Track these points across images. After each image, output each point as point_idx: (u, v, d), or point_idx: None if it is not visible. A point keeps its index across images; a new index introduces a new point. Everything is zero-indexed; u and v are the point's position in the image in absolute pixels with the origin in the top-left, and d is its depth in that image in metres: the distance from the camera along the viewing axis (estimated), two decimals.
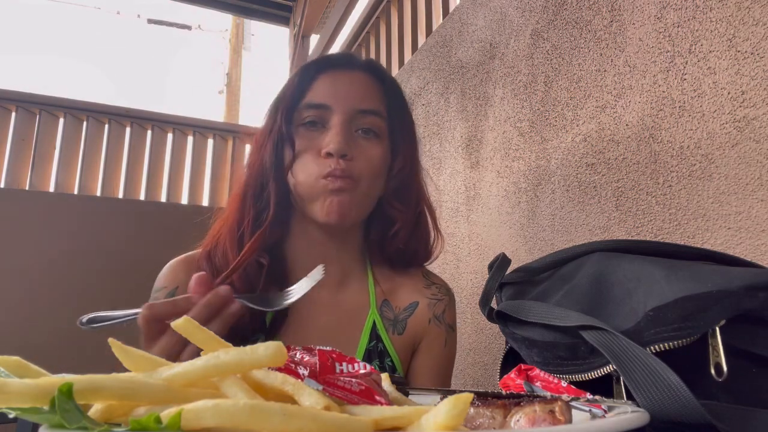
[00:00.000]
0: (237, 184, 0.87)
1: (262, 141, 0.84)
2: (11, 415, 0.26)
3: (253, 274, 0.79)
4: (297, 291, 0.67)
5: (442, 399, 0.28)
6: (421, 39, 1.97)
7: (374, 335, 0.85)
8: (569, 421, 0.31)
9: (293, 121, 0.82)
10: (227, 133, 3.05)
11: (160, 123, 2.86)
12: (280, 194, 0.81)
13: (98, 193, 2.67)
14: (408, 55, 2.07)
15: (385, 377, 0.42)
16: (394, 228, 0.86)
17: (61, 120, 2.68)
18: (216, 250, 0.83)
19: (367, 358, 0.83)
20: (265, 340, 0.78)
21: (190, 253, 0.87)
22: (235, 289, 0.77)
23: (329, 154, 0.77)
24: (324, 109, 0.81)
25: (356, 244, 0.89)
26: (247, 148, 3.06)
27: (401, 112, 0.89)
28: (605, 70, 1.01)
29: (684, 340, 0.45)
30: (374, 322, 0.85)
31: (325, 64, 0.85)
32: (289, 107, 0.82)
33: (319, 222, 0.80)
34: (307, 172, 0.79)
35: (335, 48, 2.87)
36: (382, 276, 0.90)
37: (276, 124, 0.82)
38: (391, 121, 0.86)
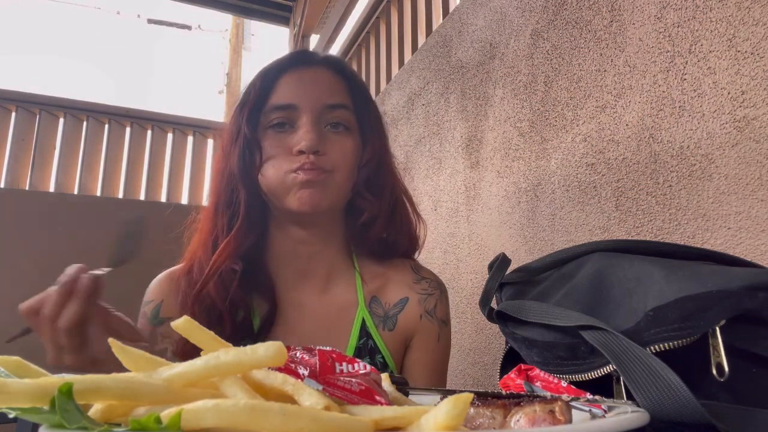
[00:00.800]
0: (209, 194, 0.87)
1: (229, 148, 0.83)
2: (11, 415, 0.26)
3: (228, 280, 0.79)
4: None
5: (442, 399, 0.28)
6: (421, 39, 1.97)
7: (363, 332, 0.85)
8: (569, 421, 0.31)
9: (260, 124, 0.82)
10: None
11: (160, 123, 2.86)
12: (250, 198, 0.81)
13: (98, 193, 2.67)
14: (408, 55, 2.07)
15: (385, 377, 0.42)
16: (366, 218, 0.86)
17: (61, 120, 2.68)
18: (193, 264, 0.84)
19: (357, 355, 0.83)
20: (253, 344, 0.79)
21: (174, 267, 0.88)
22: (213, 298, 0.78)
23: (301, 152, 0.77)
24: (291, 109, 0.80)
25: (340, 239, 0.90)
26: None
27: (366, 104, 0.89)
28: (605, 70, 1.01)
29: (684, 340, 0.45)
30: (363, 320, 0.85)
31: (285, 64, 0.85)
32: (253, 111, 0.82)
33: (293, 211, 0.79)
34: (277, 168, 0.79)
35: (335, 48, 2.87)
36: (369, 272, 0.90)
37: (241, 130, 0.81)
38: (358, 113, 0.86)
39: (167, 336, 0.79)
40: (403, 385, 0.47)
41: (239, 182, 0.81)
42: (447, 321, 0.91)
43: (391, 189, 0.89)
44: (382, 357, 0.85)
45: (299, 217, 0.82)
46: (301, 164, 0.77)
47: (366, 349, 0.84)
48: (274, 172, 0.79)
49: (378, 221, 0.86)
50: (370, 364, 0.82)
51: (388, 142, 0.92)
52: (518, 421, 0.32)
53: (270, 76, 0.84)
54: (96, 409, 0.27)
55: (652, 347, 0.46)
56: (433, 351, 0.89)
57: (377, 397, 0.31)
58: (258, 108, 0.82)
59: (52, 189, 2.59)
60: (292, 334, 0.83)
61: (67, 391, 0.24)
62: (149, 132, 2.85)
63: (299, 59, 0.86)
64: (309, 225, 0.85)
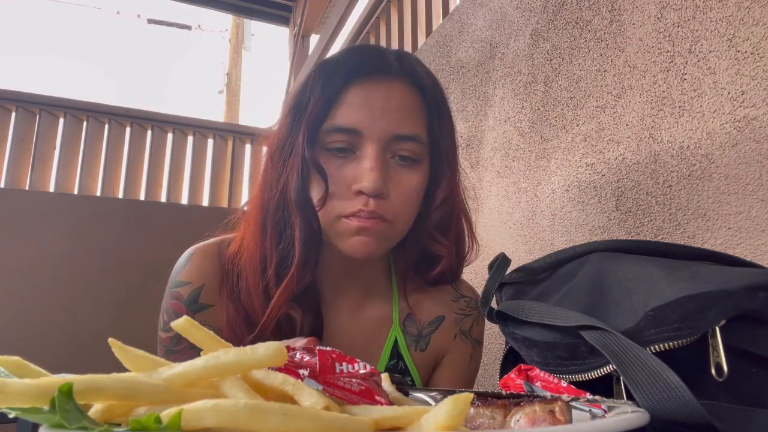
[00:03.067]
0: (253, 200, 0.77)
1: (282, 161, 0.72)
2: (11, 415, 0.26)
3: (287, 328, 0.72)
4: None
5: (442, 399, 0.28)
6: (421, 39, 1.97)
7: (395, 353, 0.80)
8: (569, 421, 0.31)
9: (317, 141, 0.70)
10: (227, 133, 3.05)
11: (160, 123, 2.86)
12: (308, 232, 0.69)
13: (98, 193, 2.67)
14: None
15: (385, 377, 0.42)
16: (438, 266, 0.78)
17: (61, 120, 2.68)
18: (238, 287, 0.74)
19: None
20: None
21: (209, 243, 0.79)
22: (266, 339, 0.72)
23: (361, 192, 0.67)
24: (355, 134, 0.68)
25: (384, 258, 0.83)
26: (248, 148, 3.06)
27: (444, 128, 0.75)
28: (605, 70, 1.01)
29: (684, 340, 0.45)
30: (396, 340, 0.80)
31: (355, 70, 0.70)
32: (312, 125, 0.69)
33: (342, 255, 0.71)
34: (330, 207, 0.69)
35: (335, 48, 2.87)
36: (407, 287, 0.82)
37: (299, 148, 0.69)
38: (433, 141, 0.74)
39: (207, 323, 0.71)
40: (402, 385, 0.47)
41: (297, 212, 0.69)
42: (481, 341, 0.87)
43: (458, 223, 0.79)
44: (411, 379, 0.81)
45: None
46: (358, 210, 0.67)
47: (396, 371, 0.79)
48: (325, 213, 0.70)
49: (445, 265, 0.78)
50: None
51: (459, 174, 0.80)
52: (518, 421, 0.32)
53: (334, 84, 0.70)
54: (96, 409, 0.27)
55: (652, 347, 0.46)
56: (463, 370, 0.85)
57: (377, 397, 0.31)
58: (318, 122, 0.69)
59: (52, 189, 2.59)
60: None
61: (67, 391, 0.24)
62: (149, 132, 2.85)
63: (372, 66, 0.71)
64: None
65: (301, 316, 0.72)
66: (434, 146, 0.74)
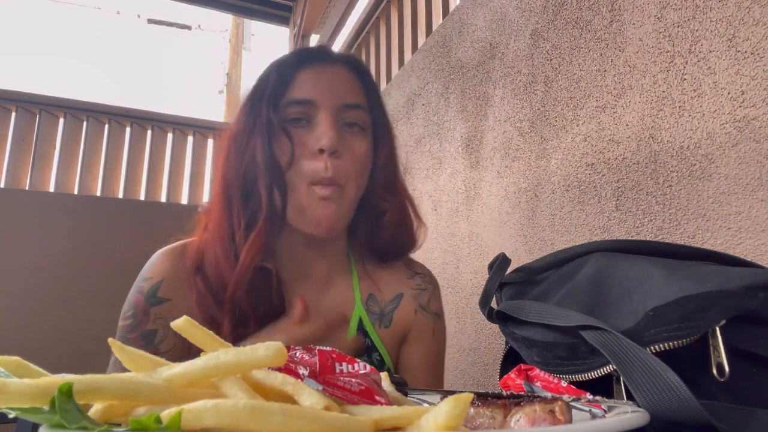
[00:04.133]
0: (216, 182, 0.83)
1: (246, 138, 0.80)
2: (11, 415, 0.26)
3: (260, 284, 0.77)
4: None
5: (442, 399, 0.28)
6: (421, 39, 1.97)
7: (361, 331, 0.85)
8: (569, 421, 0.31)
9: (277, 115, 0.80)
10: None
11: (160, 123, 2.86)
12: (273, 191, 0.78)
13: (98, 193, 2.67)
14: (408, 55, 2.07)
15: (384, 377, 0.42)
16: (384, 219, 0.86)
17: (61, 120, 2.68)
18: (205, 263, 0.79)
19: (354, 354, 0.83)
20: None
21: (176, 244, 0.85)
22: (244, 309, 0.76)
23: (321, 150, 0.76)
24: (309, 105, 0.79)
25: (342, 241, 0.89)
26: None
27: (380, 105, 0.88)
28: (605, 70, 1.01)
29: (684, 340, 0.45)
30: (360, 319, 0.86)
31: (304, 58, 0.83)
32: (271, 102, 0.79)
33: (306, 233, 0.78)
34: (298, 173, 0.77)
35: (335, 48, 2.87)
36: (365, 269, 0.89)
37: (262, 119, 0.79)
38: (373, 113, 0.85)
39: (161, 317, 0.78)
40: (402, 386, 0.47)
41: (262, 172, 0.77)
42: (441, 314, 0.92)
43: (401, 191, 0.89)
44: (379, 355, 0.85)
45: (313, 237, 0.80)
46: (321, 178, 0.76)
47: (363, 348, 0.84)
48: (297, 181, 0.78)
49: (391, 223, 0.86)
50: (367, 362, 0.84)
51: (396, 143, 0.92)
52: (518, 421, 0.32)
53: (287, 69, 0.82)
54: (96, 409, 0.27)
55: (652, 347, 0.46)
56: (429, 345, 0.90)
57: (377, 397, 0.31)
58: (276, 101, 0.79)
59: (52, 189, 2.59)
60: (289, 335, 0.82)
61: (67, 391, 0.24)
62: (149, 132, 2.85)
63: (318, 55, 0.84)
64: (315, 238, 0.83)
65: (275, 266, 0.79)
66: (373, 118, 0.85)
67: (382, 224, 0.86)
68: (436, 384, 0.90)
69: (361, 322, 0.85)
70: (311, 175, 0.77)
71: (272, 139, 0.78)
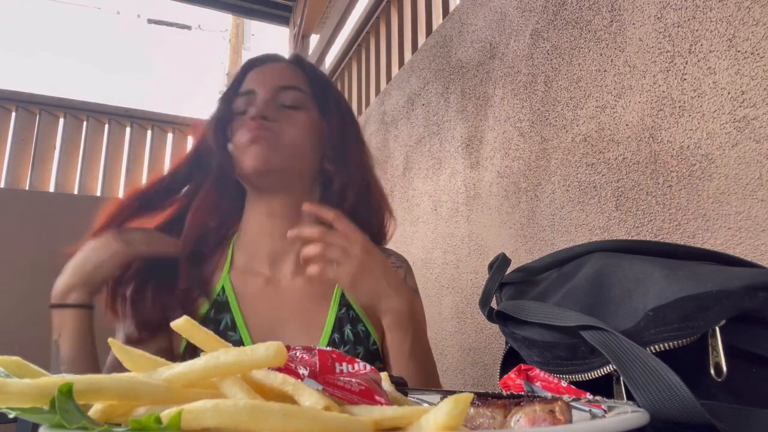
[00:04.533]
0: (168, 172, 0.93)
1: (204, 132, 0.91)
2: (11, 415, 0.26)
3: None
4: None
5: (442, 399, 0.28)
6: (421, 39, 1.97)
7: (343, 303, 0.87)
8: (569, 421, 0.31)
9: (229, 112, 0.90)
10: None
11: (160, 123, 2.86)
12: (221, 165, 0.87)
13: (98, 193, 2.67)
14: (408, 55, 2.07)
15: (384, 377, 0.42)
16: (338, 185, 0.90)
17: (61, 120, 2.68)
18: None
19: (339, 325, 0.85)
20: (234, 326, 0.81)
21: None
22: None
23: (252, 119, 0.84)
24: (251, 94, 0.88)
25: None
26: None
27: (326, 91, 0.95)
28: (605, 70, 1.01)
29: (684, 340, 0.45)
30: (342, 292, 0.88)
31: (254, 61, 0.94)
32: (226, 101, 0.90)
33: (249, 173, 0.84)
34: (235, 141, 0.85)
35: (335, 48, 2.87)
36: None
37: (217, 114, 0.90)
38: (317, 96, 0.92)
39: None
40: (402, 386, 0.47)
41: (214, 153, 0.87)
42: (417, 292, 0.95)
43: (361, 166, 0.94)
44: (364, 326, 0.86)
45: (257, 178, 0.86)
46: (250, 129, 0.84)
47: (348, 319, 0.86)
48: (233, 146, 0.86)
49: (349, 190, 0.90)
50: (350, 333, 0.84)
51: (359, 131, 0.98)
52: (518, 421, 0.32)
53: (240, 73, 0.93)
54: (96, 409, 0.27)
55: (652, 347, 0.46)
56: None
57: (377, 397, 0.31)
58: (229, 99, 0.90)
59: (52, 189, 2.59)
60: (273, 310, 0.85)
61: (67, 391, 0.24)
62: (149, 132, 2.85)
63: (266, 58, 0.95)
64: (277, 194, 0.88)
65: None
66: (319, 100, 0.92)
67: (337, 192, 0.91)
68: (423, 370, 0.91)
69: (342, 295, 0.87)
70: (245, 133, 0.84)
71: (221, 128, 0.88)
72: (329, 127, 0.91)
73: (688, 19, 0.85)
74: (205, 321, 0.82)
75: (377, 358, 0.86)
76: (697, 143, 0.82)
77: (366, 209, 0.93)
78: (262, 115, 0.84)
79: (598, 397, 0.38)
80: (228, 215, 0.92)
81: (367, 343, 0.86)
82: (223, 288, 0.86)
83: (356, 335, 0.85)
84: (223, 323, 0.83)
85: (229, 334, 0.82)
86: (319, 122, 0.91)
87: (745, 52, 0.76)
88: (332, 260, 0.72)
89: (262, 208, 0.89)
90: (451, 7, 1.82)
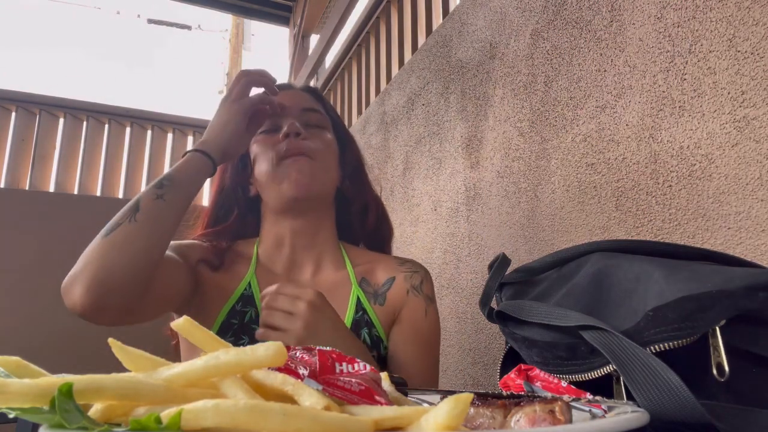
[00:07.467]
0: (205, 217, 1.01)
1: (223, 168, 0.98)
2: (11, 415, 0.26)
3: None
4: None
5: (442, 399, 0.28)
6: (421, 39, 1.97)
7: (359, 307, 0.89)
8: (569, 421, 0.31)
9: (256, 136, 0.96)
10: None
11: (160, 123, 2.86)
12: (243, 202, 0.96)
13: (98, 193, 2.67)
14: (408, 55, 2.07)
15: (384, 377, 0.42)
16: (359, 206, 0.98)
17: (61, 120, 2.68)
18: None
19: (355, 327, 0.87)
20: (257, 319, 0.84)
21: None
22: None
23: (286, 135, 0.89)
24: (276, 116, 0.94)
25: (329, 231, 0.97)
26: None
27: (339, 120, 1.04)
28: (605, 70, 1.01)
29: (684, 340, 0.45)
30: (358, 297, 0.90)
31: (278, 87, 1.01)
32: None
33: (289, 198, 0.88)
34: (267, 159, 0.90)
35: (335, 48, 2.87)
36: (357, 258, 0.97)
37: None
38: (334, 124, 1.01)
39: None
40: (402, 386, 0.47)
41: (232, 193, 0.96)
42: (433, 299, 0.96)
43: (371, 189, 1.02)
44: (377, 332, 0.89)
45: (294, 203, 0.90)
46: (287, 149, 0.88)
47: (363, 322, 0.88)
48: (265, 165, 0.90)
49: (371, 209, 0.98)
50: (367, 336, 0.87)
51: (365, 165, 1.05)
52: (518, 421, 0.32)
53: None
54: (96, 409, 0.27)
55: (652, 347, 0.46)
56: (420, 324, 0.92)
57: (377, 397, 0.31)
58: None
59: (52, 189, 2.59)
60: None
61: (67, 391, 0.24)
62: (149, 132, 2.85)
63: (281, 86, 1.00)
64: (302, 214, 0.92)
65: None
66: (335, 127, 1.00)
67: (364, 214, 0.98)
68: (428, 374, 0.91)
69: (359, 300, 0.90)
70: (277, 153, 0.89)
71: (240, 160, 0.98)
72: (348, 153, 0.99)
73: (688, 19, 0.85)
74: (232, 312, 0.86)
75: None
76: (697, 143, 0.82)
77: (384, 227, 1.01)
78: (297, 132, 0.89)
79: (598, 397, 0.38)
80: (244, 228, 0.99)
81: (380, 348, 0.89)
82: (249, 283, 0.89)
83: (372, 339, 0.88)
84: (247, 316, 0.86)
85: (253, 327, 0.85)
86: (337, 143, 0.98)
87: (745, 52, 0.76)
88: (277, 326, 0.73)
89: (285, 225, 0.94)
90: (451, 7, 1.82)
